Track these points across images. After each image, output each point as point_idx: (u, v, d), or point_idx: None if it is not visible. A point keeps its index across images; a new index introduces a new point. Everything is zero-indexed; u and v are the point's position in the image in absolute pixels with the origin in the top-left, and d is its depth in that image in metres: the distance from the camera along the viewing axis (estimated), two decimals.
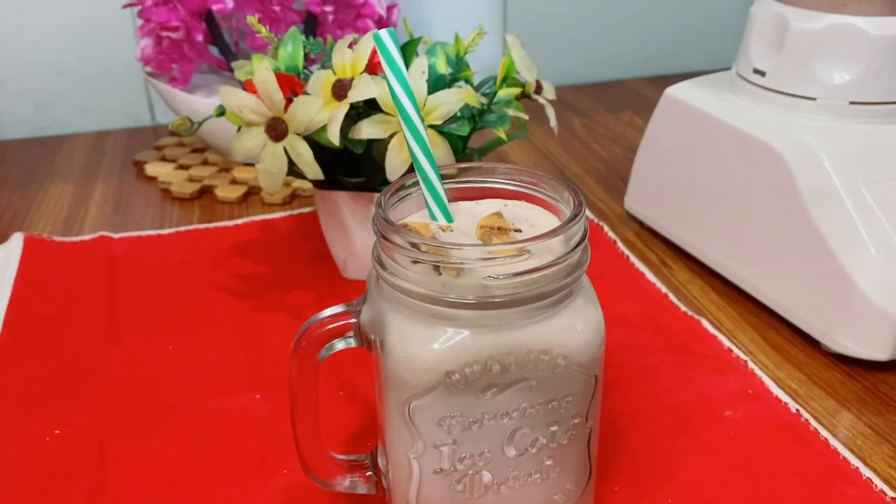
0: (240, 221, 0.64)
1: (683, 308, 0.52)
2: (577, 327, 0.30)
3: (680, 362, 0.47)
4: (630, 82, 0.96)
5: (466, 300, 0.29)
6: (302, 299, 0.54)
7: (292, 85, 0.46)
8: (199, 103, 0.68)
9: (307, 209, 0.66)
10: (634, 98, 0.91)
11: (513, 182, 0.34)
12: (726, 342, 0.49)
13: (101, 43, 0.82)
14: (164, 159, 0.75)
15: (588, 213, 0.63)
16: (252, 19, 0.48)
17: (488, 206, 0.34)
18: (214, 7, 0.67)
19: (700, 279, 0.56)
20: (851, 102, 0.48)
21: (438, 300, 0.29)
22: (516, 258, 0.29)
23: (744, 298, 0.53)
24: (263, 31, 0.48)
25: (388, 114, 0.45)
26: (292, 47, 0.48)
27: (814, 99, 0.49)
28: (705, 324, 0.50)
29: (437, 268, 0.29)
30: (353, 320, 0.32)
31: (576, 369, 0.30)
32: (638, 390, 0.45)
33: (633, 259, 0.58)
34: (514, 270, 0.28)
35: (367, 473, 0.35)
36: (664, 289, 0.54)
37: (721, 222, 0.54)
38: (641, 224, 0.63)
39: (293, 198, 0.68)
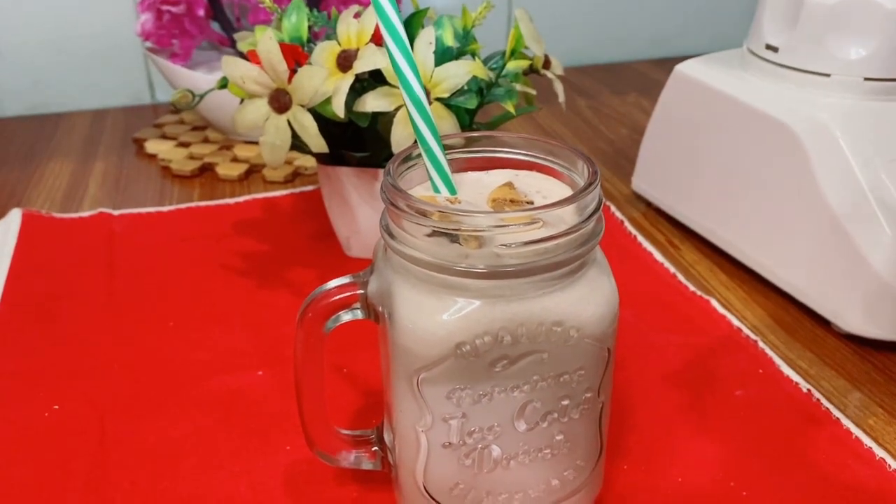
0: (241, 199, 0.63)
1: (692, 288, 0.51)
2: (590, 299, 0.29)
3: (689, 342, 0.47)
4: (636, 64, 0.95)
5: (478, 269, 0.28)
6: (304, 277, 0.53)
7: (296, 56, 0.45)
8: (200, 79, 0.67)
9: (309, 187, 0.65)
10: (640, 80, 0.90)
11: (523, 152, 0.33)
12: (735, 322, 0.48)
13: (100, 19, 0.81)
14: (164, 137, 0.74)
15: None
16: None
17: (498, 177, 0.33)
18: None
19: (708, 259, 0.55)
20: (866, 79, 0.47)
21: (449, 269, 0.28)
22: (529, 226, 0.28)
23: (753, 279, 0.52)
24: (267, 1, 0.47)
25: (393, 86, 0.45)
26: (296, 18, 0.47)
27: (828, 75, 0.48)
28: (714, 303, 0.50)
29: (453, 238, 0.28)
30: (361, 291, 0.31)
31: (588, 342, 0.29)
32: (647, 370, 0.44)
33: (640, 239, 0.57)
34: (527, 239, 0.28)
35: (373, 449, 0.35)
36: (672, 269, 0.53)
37: (731, 201, 0.53)
38: (649, 204, 0.62)
39: (295, 176, 0.67)
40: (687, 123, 0.56)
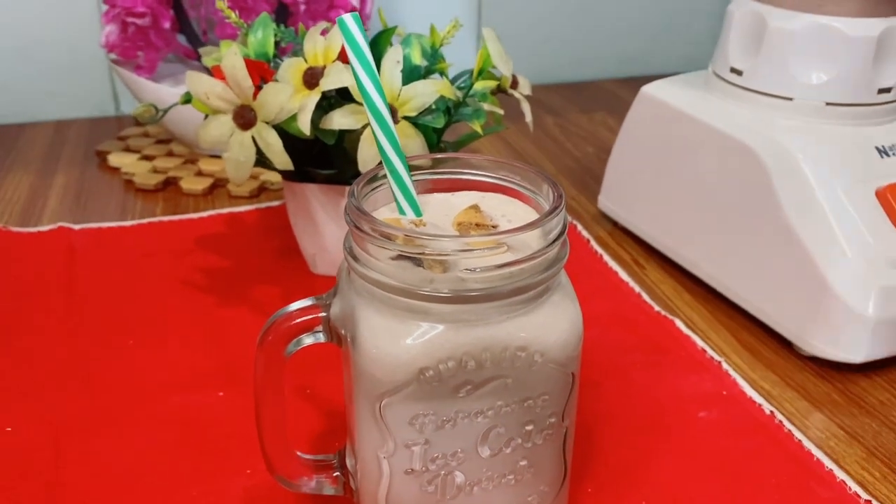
0: (205, 214, 0.62)
1: (657, 308, 0.51)
2: (554, 324, 0.29)
3: (653, 362, 0.47)
4: (604, 83, 0.96)
5: (442, 293, 0.27)
6: (268, 295, 0.52)
7: (262, 72, 0.44)
8: (165, 92, 0.66)
9: (275, 202, 0.64)
10: (608, 98, 0.91)
11: (490, 174, 0.33)
12: (700, 342, 0.48)
13: (64, 29, 0.80)
14: (127, 149, 0.73)
15: None
16: (221, 3, 0.46)
17: (464, 199, 0.33)
18: None
19: (672, 279, 0.55)
20: (828, 104, 0.48)
21: (413, 293, 0.28)
22: (494, 250, 0.28)
23: (717, 299, 0.53)
24: (233, 16, 0.46)
25: (360, 104, 0.44)
26: (262, 33, 0.46)
27: (790, 99, 0.49)
28: (679, 324, 0.50)
29: (418, 262, 0.28)
30: (323, 314, 0.31)
31: (553, 367, 0.29)
32: (611, 390, 0.44)
33: (606, 258, 0.57)
34: (492, 263, 0.27)
35: (335, 474, 0.34)
36: (637, 288, 0.54)
37: (695, 222, 0.53)
38: (615, 223, 0.62)
39: (260, 191, 0.67)
40: (652, 144, 0.57)
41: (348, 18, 0.30)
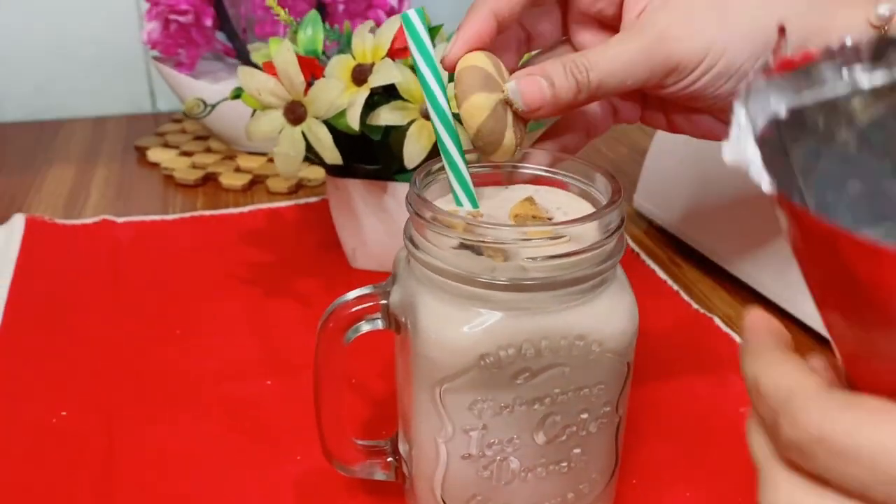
0: (245, 209, 0.63)
1: (695, 305, 0.52)
2: (612, 314, 0.30)
3: (693, 359, 0.47)
4: None
5: (502, 282, 0.28)
6: (310, 288, 0.53)
7: (312, 68, 0.45)
8: (204, 89, 0.67)
9: (313, 199, 0.65)
10: None
11: (543, 168, 0.34)
12: (739, 340, 0.48)
13: (103, 27, 0.81)
14: (166, 145, 0.74)
15: None
16: (272, 1, 0.47)
17: (518, 192, 0.34)
18: None
19: (709, 278, 0.56)
20: None
21: (473, 281, 0.28)
22: (554, 241, 0.28)
23: (754, 297, 0.53)
24: (282, 13, 0.47)
25: (407, 101, 0.45)
26: (312, 31, 0.47)
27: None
28: (717, 321, 0.50)
29: (478, 251, 0.28)
30: (383, 301, 0.32)
31: (610, 356, 0.30)
32: (652, 387, 0.45)
33: (643, 256, 0.57)
34: (552, 253, 0.28)
35: (388, 459, 0.35)
36: (675, 286, 0.54)
37: (734, 221, 0.53)
38: (650, 223, 0.63)
39: (299, 187, 0.68)
40: (690, 142, 0.57)
41: (412, 14, 0.31)
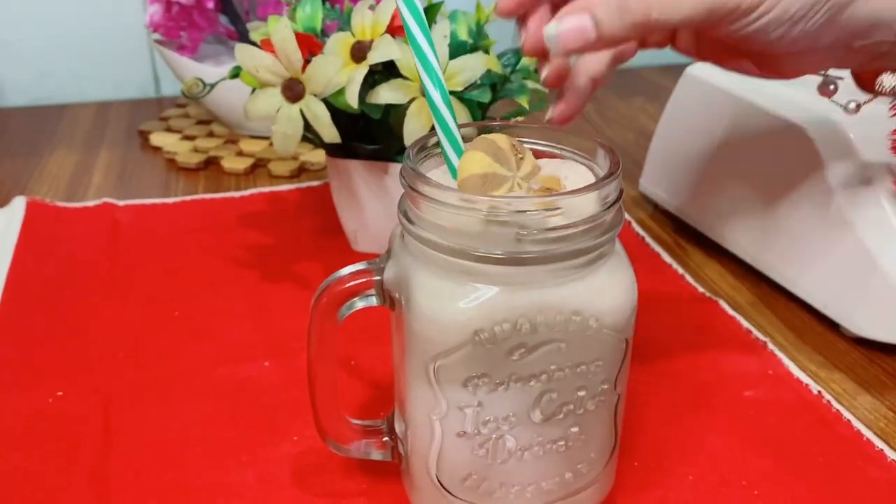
0: (246, 193, 0.63)
1: (700, 289, 0.51)
2: (609, 289, 0.29)
3: (698, 342, 0.46)
4: (642, 70, 0.95)
5: (496, 255, 0.27)
6: (310, 270, 0.53)
7: (310, 46, 0.45)
8: (207, 72, 0.67)
9: (315, 183, 0.65)
10: (646, 86, 0.90)
11: (543, 141, 0.33)
12: (745, 323, 0.48)
13: (106, 12, 0.81)
14: (169, 130, 0.74)
15: None
16: None
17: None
18: None
19: (715, 261, 0.55)
20: None
21: (468, 254, 0.28)
22: (550, 212, 0.27)
23: (761, 281, 0.52)
24: None
25: (407, 78, 0.44)
26: (311, 8, 0.46)
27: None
28: (723, 304, 0.49)
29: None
30: (377, 277, 0.31)
31: (607, 332, 0.29)
32: (656, 369, 0.44)
33: (648, 240, 0.57)
34: (547, 225, 0.27)
35: (384, 439, 0.34)
36: (680, 270, 0.53)
37: (741, 203, 0.53)
38: (655, 206, 0.62)
39: (301, 171, 0.67)
40: (697, 124, 0.56)
41: None
